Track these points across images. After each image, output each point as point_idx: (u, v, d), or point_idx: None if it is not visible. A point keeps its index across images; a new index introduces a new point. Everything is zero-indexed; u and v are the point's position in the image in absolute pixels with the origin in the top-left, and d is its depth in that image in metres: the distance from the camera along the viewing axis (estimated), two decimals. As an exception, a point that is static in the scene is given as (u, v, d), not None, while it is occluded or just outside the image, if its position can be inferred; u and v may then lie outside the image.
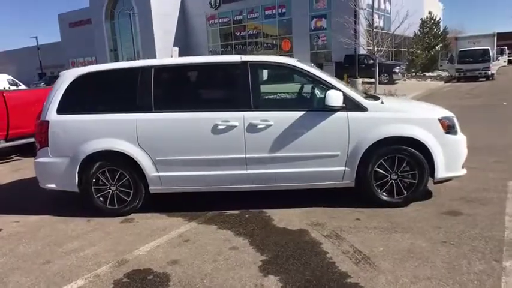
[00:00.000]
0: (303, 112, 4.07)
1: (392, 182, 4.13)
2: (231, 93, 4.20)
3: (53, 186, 4.47)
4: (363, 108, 4.07)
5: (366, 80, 20.33)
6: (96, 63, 20.93)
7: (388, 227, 3.67)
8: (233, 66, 4.22)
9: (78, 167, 4.26)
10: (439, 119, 4.10)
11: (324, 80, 4.14)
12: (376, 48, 16.90)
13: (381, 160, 4.08)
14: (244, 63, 4.18)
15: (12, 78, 20.16)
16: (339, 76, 22.05)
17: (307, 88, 4.28)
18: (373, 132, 4.03)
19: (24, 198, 5.27)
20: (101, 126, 4.25)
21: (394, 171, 4.11)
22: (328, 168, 4.12)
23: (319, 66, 23.65)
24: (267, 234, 3.68)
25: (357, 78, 19.50)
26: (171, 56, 22.86)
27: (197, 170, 4.19)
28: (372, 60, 20.24)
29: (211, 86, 4.39)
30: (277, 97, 4.53)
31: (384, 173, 4.11)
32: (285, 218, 4.04)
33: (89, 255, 3.47)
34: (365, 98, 4.28)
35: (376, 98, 4.54)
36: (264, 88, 4.65)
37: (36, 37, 61.70)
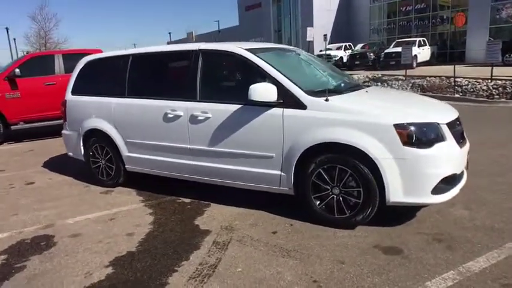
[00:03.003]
0: (240, 106, 3.71)
1: (333, 197, 3.39)
2: (182, 82, 4.14)
3: (71, 154, 5.43)
4: (301, 106, 3.43)
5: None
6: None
7: (287, 249, 3.09)
8: (188, 54, 4.12)
9: (81, 140, 5.05)
10: (395, 125, 3.09)
11: (264, 71, 3.63)
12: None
13: (320, 169, 3.38)
14: (197, 52, 4.05)
15: None
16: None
17: (254, 79, 3.78)
18: (308, 134, 3.37)
19: (70, 162, 5.84)
20: (94, 107, 4.86)
21: (336, 185, 3.36)
22: (264, 170, 3.67)
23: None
24: (172, 228, 3.62)
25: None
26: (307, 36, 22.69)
27: (155, 155, 4.37)
28: None
29: (170, 74, 4.41)
30: (224, 88, 4.17)
31: (324, 185, 3.40)
32: (213, 215, 3.86)
33: (42, 215, 4.15)
34: (315, 92, 3.51)
35: (357, 88, 3.77)
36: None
37: (218, 21, 70.39)
